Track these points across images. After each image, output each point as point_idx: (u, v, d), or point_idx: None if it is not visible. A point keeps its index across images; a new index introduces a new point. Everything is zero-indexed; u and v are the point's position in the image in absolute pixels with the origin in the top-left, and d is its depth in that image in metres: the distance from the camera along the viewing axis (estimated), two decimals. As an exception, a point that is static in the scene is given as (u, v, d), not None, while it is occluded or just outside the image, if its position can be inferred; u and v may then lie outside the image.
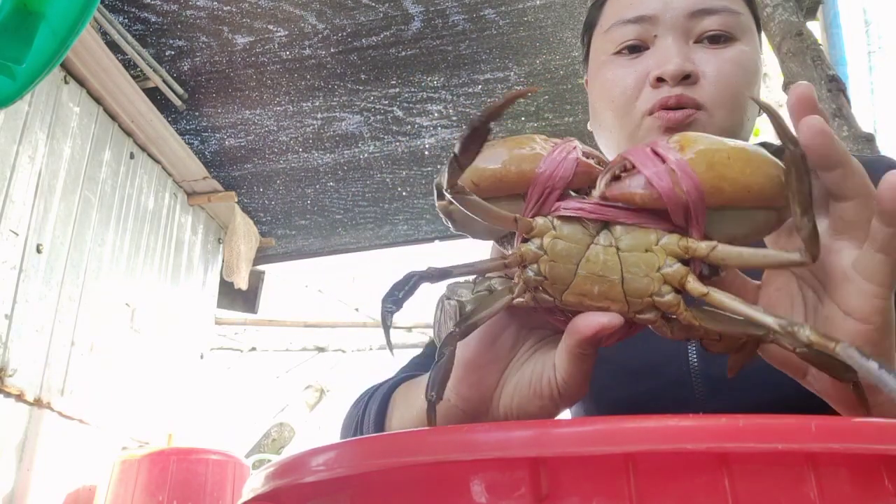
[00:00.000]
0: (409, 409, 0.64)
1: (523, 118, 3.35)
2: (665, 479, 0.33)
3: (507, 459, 0.33)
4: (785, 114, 0.46)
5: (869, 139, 1.87)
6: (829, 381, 0.45)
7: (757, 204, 0.41)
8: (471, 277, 0.50)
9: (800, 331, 0.40)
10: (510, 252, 0.46)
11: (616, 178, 0.43)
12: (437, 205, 0.48)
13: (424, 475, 0.36)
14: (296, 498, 0.41)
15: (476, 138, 0.43)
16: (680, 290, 0.43)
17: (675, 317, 0.44)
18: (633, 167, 0.42)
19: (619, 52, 0.75)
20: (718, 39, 0.72)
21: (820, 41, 2.21)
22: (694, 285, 0.43)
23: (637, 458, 0.32)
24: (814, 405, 0.52)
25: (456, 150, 0.43)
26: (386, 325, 0.46)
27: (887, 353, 0.44)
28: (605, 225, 0.44)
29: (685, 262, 0.43)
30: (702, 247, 0.42)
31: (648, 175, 0.41)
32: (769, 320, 0.41)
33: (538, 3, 2.76)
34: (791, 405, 0.54)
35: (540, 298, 0.46)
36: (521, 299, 0.47)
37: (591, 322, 0.43)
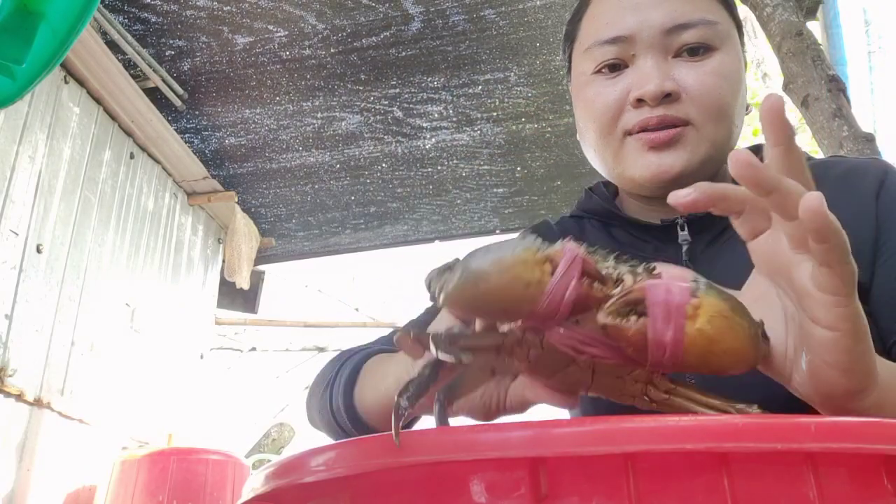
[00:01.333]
0: (382, 379, 0.67)
1: (523, 119, 3.35)
2: (664, 479, 0.33)
3: (506, 459, 0.33)
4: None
5: (869, 139, 1.87)
6: (813, 387, 0.47)
7: (730, 369, 0.45)
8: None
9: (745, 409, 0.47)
10: (506, 339, 0.50)
11: (626, 305, 0.44)
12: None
13: (424, 475, 0.36)
14: (296, 498, 0.41)
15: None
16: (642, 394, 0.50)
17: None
18: (643, 311, 0.43)
19: (598, 71, 0.75)
20: (697, 52, 0.72)
21: (820, 41, 2.21)
22: (655, 395, 0.49)
23: (636, 458, 0.32)
24: (804, 405, 0.52)
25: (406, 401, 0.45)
26: (398, 417, 0.46)
27: (862, 357, 0.45)
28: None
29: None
30: (662, 383, 0.49)
31: (650, 338, 0.43)
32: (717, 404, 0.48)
33: (538, 3, 2.76)
34: (782, 404, 0.54)
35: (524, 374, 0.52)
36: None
37: (551, 399, 0.51)
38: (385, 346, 0.79)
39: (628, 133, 0.73)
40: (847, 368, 0.44)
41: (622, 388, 0.50)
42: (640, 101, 0.71)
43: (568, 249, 0.44)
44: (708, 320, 0.43)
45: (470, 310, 0.46)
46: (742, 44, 0.79)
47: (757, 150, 0.82)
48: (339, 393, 0.71)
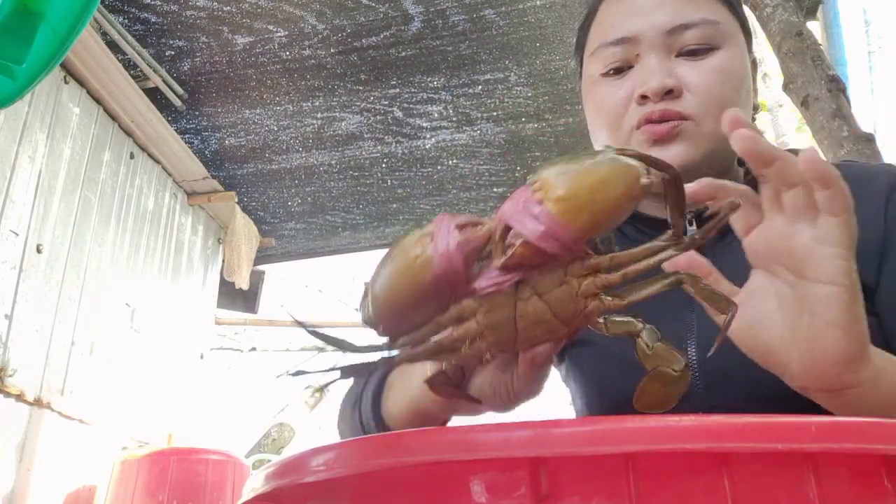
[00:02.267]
0: (396, 401, 0.70)
1: (523, 119, 3.35)
2: (665, 479, 0.33)
3: (507, 459, 0.33)
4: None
5: (869, 139, 1.87)
6: (812, 356, 0.49)
7: (619, 212, 0.46)
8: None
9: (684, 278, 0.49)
10: (448, 338, 0.52)
11: (502, 239, 0.47)
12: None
13: (424, 475, 0.36)
14: (296, 498, 0.41)
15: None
16: (597, 294, 0.50)
17: (607, 315, 0.51)
18: (511, 230, 0.47)
19: (606, 73, 0.78)
20: (699, 50, 0.74)
21: (820, 41, 2.21)
22: (609, 279, 0.50)
23: (637, 457, 0.32)
24: (808, 399, 0.53)
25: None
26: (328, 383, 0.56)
27: (859, 318, 0.48)
28: (517, 281, 0.49)
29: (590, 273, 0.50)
30: (603, 261, 0.49)
31: (532, 239, 0.46)
32: (664, 254, 0.49)
33: (538, 3, 2.76)
34: (787, 398, 0.55)
35: (496, 354, 0.53)
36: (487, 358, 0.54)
37: (531, 355, 0.52)
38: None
39: (634, 129, 0.75)
40: (846, 328, 0.47)
41: (575, 295, 0.49)
42: (643, 98, 0.74)
43: (436, 218, 0.49)
44: (555, 184, 0.45)
45: (396, 315, 0.50)
46: (749, 43, 0.81)
47: None
48: (367, 409, 0.74)
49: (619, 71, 0.77)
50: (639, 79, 0.74)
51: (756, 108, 0.82)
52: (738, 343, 0.55)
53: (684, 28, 0.74)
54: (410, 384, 0.67)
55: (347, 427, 0.81)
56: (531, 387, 0.56)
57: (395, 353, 0.54)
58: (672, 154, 0.73)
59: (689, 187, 0.49)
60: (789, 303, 0.50)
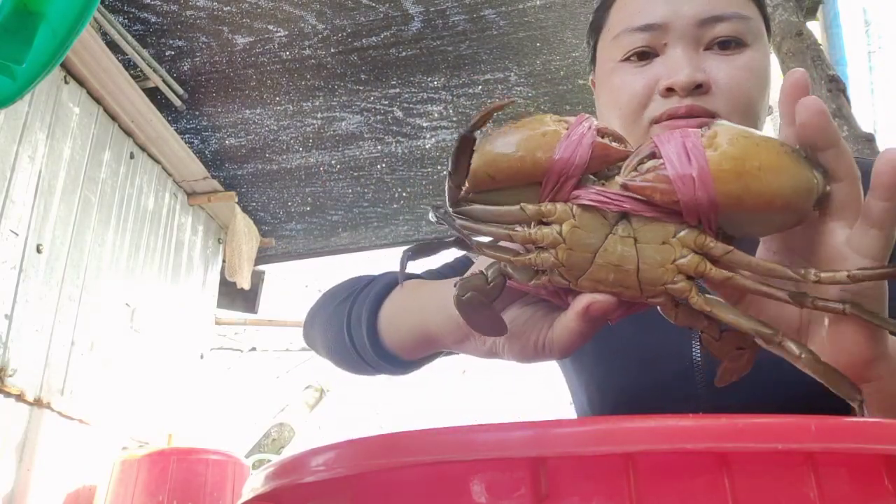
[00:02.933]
0: (402, 311, 0.67)
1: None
2: (665, 479, 0.33)
3: (506, 459, 0.33)
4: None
5: (869, 139, 1.87)
6: (834, 355, 0.46)
7: (779, 211, 0.42)
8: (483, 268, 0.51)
9: (816, 299, 0.42)
10: (522, 234, 0.47)
11: (641, 162, 0.43)
12: (435, 216, 0.50)
13: (424, 475, 0.36)
14: (296, 498, 0.41)
15: (464, 152, 0.44)
16: (692, 276, 0.45)
17: (685, 302, 0.46)
18: (659, 158, 0.42)
19: (627, 59, 0.73)
20: (729, 45, 0.71)
21: (820, 41, 2.21)
22: (713, 272, 0.44)
23: (637, 458, 0.32)
24: (813, 402, 0.52)
25: (449, 168, 0.44)
26: (403, 266, 0.49)
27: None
28: (624, 214, 0.44)
29: (698, 252, 0.44)
30: (718, 248, 0.43)
31: (672, 176, 0.41)
32: (777, 269, 0.43)
33: (538, 3, 2.76)
34: (791, 401, 0.54)
35: (554, 280, 0.47)
36: (537, 281, 0.48)
37: (588, 300, 0.47)
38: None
39: (655, 122, 0.71)
40: (872, 336, 0.44)
41: (671, 262, 0.44)
42: (669, 91, 0.70)
43: (581, 114, 0.44)
44: (728, 141, 0.41)
45: (494, 170, 0.45)
46: (769, 44, 0.78)
47: None
48: (362, 309, 0.70)
49: (643, 56, 0.73)
50: (665, 70, 0.71)
51: (770, 111, 0.81)
52: None
53: (717, 20, 0.71)
54: (423, 304, 0.64)
55: (329, 318, 0.77)
56: (566, 343, 0.51)
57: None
58: None
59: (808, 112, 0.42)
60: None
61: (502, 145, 0.45)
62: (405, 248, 0.49)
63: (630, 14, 0.74)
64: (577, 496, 0.33)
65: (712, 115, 0.70)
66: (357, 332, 0.71)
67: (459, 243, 0.50)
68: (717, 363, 0.69)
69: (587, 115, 0.45)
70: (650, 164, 0.43)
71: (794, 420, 0.31)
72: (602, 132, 0.45)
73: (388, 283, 0.72)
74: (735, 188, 0.40)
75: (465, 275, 0.52)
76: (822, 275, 0.42)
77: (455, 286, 0.50)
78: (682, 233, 0.44)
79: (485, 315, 0.51)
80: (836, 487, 0.33)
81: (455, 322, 0.57)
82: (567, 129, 0.44)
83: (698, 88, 0.69)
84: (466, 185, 0.46)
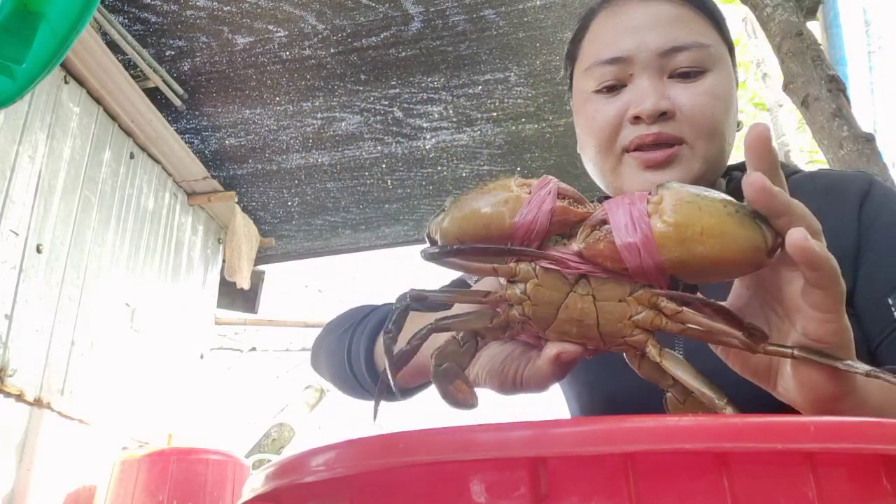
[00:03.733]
0: (408, 332, 0.70)
1: (523, 119, 3.35)
2: (664, 479, 0.33)
3: (506, 459, 0.33)
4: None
5: (869, 139, 1.87)
6: (799, 393, 0.48)
7: (728, 268, 0.44)
8: (456, 334, 0.54)
9: (765, 348, 0.46)
10: (491, 295, 0.51)
11: (595, 228, 0.46)
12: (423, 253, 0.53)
13: (424, 475, 0.36)
14: (296, 498, 0.41)
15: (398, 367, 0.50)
16: (650, 329, 0.48)
17: (644, 353, 0.49)
18: (608, 225, 0.46)
19: (598, 91, 0.78)
20: (691, 73, 0.76)
21: (820, 41, 2.21)
22: (669, 325, 0.47)
23: (636, 457, 0.32)
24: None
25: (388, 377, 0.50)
26: (390, 354, 0.52)
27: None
28: (583, 274, 0.48)
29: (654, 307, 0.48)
30: (668, 308, 0.47)
31: (619, 245, 0.44)
32: (738, 334, 0.46)
33: (538, 3, 2.76)
34: (774, 403, 0.55)
35: (526, 329, 0.52)
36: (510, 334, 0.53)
37: (556, 348, 0.51)
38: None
39: (626, 150, 0.76)
40: (833, 375, 0.47)
41: (628, 318, 0.48)
42: (636, 119, 0.75)
43: (544, 177, 0.48)
44: (672, 208, 0.43)
45: (461, 233, 0.48)
46: (734, 65, 0.83)
47: (737, 168, 0.84)
48: (360, 342, 0.75)
49: (612, 89, 0.78)
50: (632, 99, 0.76)
51: (739, 125, 0.84)
52: (726, 360, 0.54)
53: (677, 51, 0.75)
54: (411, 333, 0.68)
55: (332, 348, 0.83)
56: (540, 382, 0.55)
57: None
58: (668, 178, 0.74)
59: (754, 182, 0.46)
60: (777, 332, 0.49)
61: (469, 212, 0.48)
62: (401, 294, 0.53)
63: (598, 48, 0.79)
64: (577, 496, 0.33)
65: (680, 140, 0.74)
66: (356, 363, 0.77)
67: (415, 306, 0.53)
68: (700, 365, 0.71)
69: (549, 178, 0.48)
70: (602, 231, 0.46)
71: (794, 420, 0.31)
72: (563, 194, 0.48)
73: (383, 318, 0.77)
74: (679, 254, 0.43)
75: (440, 345, 0.55)
76: (769, 348, 0.46)
77: (431, 357, 0.54)
78: (638, 292, 0.47)
79: (458, 386, 0.54)
80: (835, 487, 0.33)
81: None
82: (529, 192, 0.47)
83: (663, 115, 0.74)
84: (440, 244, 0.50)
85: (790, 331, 0.48)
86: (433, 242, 0.51)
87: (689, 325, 0.47)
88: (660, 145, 0.74)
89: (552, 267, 0.48)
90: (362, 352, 0.76)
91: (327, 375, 0.87)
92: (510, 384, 0.57)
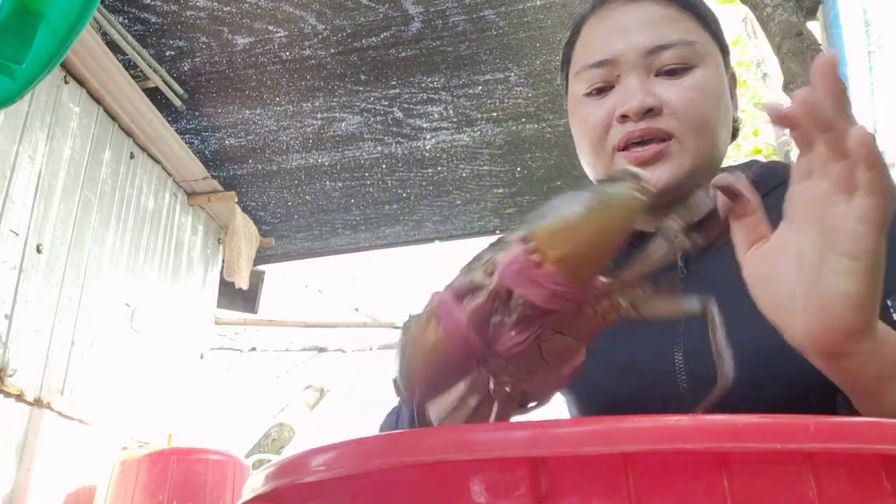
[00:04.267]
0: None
1: (523, 119, 3.35)
2: (664, 479, 0.33)
3: (506, 459, 0.33)
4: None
5: (869, 139, 1.87)
6: (819, 321, 0.50)
7: (623, 237, 0.47)
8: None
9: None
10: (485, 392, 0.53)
11: (507, 301, 0.48)
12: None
13: (424, 475, 0.36)
14: (296, 498, 0.41)
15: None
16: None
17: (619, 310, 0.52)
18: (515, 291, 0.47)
19: (589, 94, 0.80)
20: (677, 71, 0.77)
21: (820, 41, 2.21)
22: (619, 297, 0.51)
23: (636, 457, 0.33)
24: (798, 403, 0.53)
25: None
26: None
27: (876, 293, 0.49)
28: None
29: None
30: (614, 286, 0.50)
31: (536, 301, 0.46)
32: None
33: (538, 3, 2.76)
34: (776, 404, 0.55)
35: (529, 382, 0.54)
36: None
37: (572, 368, 0.53)
38: None
39: (616, 149, 0.77)
40: (858, 302, 0.48)
41: (593, 317, 0.51)
42: (624, 118, 0.76)
43: (437, 300, 0.49)
44: (551, 245, 0.45)
45: (431, 389, 0.52)
46: (727, 64, 0.83)
47: (749, 165, 0.84)
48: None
49: (602, 91, 0.79)
50: (620, 98, 0.77)
51: (737, 121, 0.84)
52: (750, 290, 0.55)
53: (662, 49, 0.76)
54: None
55: None
56: (563, 383, 0.57)
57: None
58: (657, 175, 0.75)
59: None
60: (810, 265, 0.50)
61: (418, 376, 0.50)
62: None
63: (587, 52, 0.81)
64: (577, 496, 0.33)
65: (668, 136, 0.75)
66: None
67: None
68: (698, 365, 0.72)
69: (442, 297, 0.49)
70: (516, 301, 0.47)
71: (794, 420, 0.31)
72: (460, 299, 0.49)
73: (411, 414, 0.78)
74: (587, 270, 0.46)
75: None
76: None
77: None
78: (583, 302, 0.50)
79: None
80: (835, 487, 0.33)
81: None
82: (439, 324, 0.48)
83: (650, 112, 0.75)
84: (416, 395, 0.52)
85: (824, 259, 0.49)
86: (414, 403, 0.55)
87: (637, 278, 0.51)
88: (649, 142, 0.75)
89: (514, 351, 0.49)
90: None
91: None
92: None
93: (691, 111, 0.75)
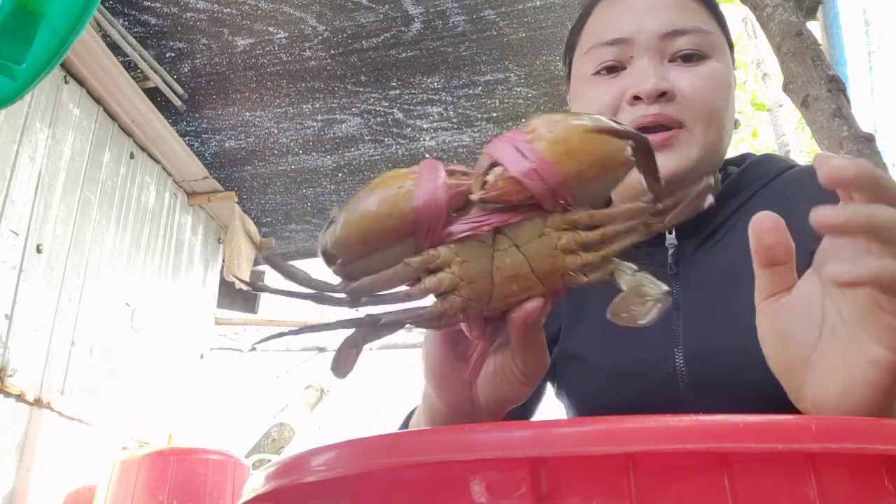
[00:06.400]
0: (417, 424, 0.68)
1: (523, 120, 3.35)
2: (665, 479, 0.33)
3: (507, 459, 0.33)
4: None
5: (869, 139, 1.87)
6: (811, 410, 0.47)
7: (606, 172, 0.47)
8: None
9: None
10: (418, 288, 0.49)
11: (486, 174, 0.47)
12: (330, 270, 0.51)
13: (424, 475, 0.36)
14: (296, 498, 0.41)
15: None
16: (575, 250, 0.49)
17: (584, 270, 0.50)
18: (499, 165, 0.46)
19: (598, 73, 0.78)
20: (691, 58, 0.75)
21: (820, 41, 2.21)
22: (589, 236, 0.49)
23: (637, 457, 0.32)
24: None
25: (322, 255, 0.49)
26: (351, 356, 0.52)
27: None
28: (496, 229, 0.47)
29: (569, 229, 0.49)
30: (582, 217, 0.48)
31: (517, 175, 0.45)
32: (632, 206, 0.49)
33: (538, 3, 2.76)
34: (775, 406, 0.54)
35: (470, 314, 0.50)
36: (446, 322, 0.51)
37: (520, 314, 0.49)
38: None
39: None
40: (883, 392, 0.43)
41: (554, 248, 0.48)
42: (636, 99, 0.74)
43: (425, 158, 0.48)
44: (548, 129, 0.46)
45: (362, 236, 0.47)
46: (732, 60, 0.82)
47: (742, 159, 0.84)
48: None
49: (611, 70, 0.77)
50: (632, 80, 0.75)
51: (736, 124, 0.84)
52: (762, 344, 0.49)
53: (678, 34, 0.75)
54: (425, 418, 0.63)
55: None
56: (534, 357, 0.52)
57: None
58: (664, 163, 0.72)
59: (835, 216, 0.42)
60: (835, 338, 0.45)
61: (365, 209, 0.46)
62: (345, 340, 0.51)
63: (599, 30, 0.79)
64: (578, 496, 0.33)
65: (679, 123, 0.73)
66: None
67: (364, 338, 0.51)
68: (700, 370, 0.70)
69: (432, 160, 0.48)
70: (495, 172, 0.46)
71: (794, 420, 0.31)
72: (451, 171, 0.48)
73: (404, 426, 0.73)
74: (573, 165, 0.45)
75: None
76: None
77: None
78: (550, 219, 0.48)
79: (349, 354, 0.53)
80: (836, 487, 0.33)
81: (445, 412, 0.58)
82: (417, 177, 0.47)
83: (663, 96, 0.73)
84: (339, 259, 0.48)
85: (854, 334, 0.43)
86: (330, 259, 0.49)
87: (608, 227, 0.49)
88: (658, 128, 0.73)
89: (467, 234, 0.47)
90: None
91: None
92: (519, 385, 0.54)
93: (703, 101, 0.74)
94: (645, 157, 0.48)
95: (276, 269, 0.52)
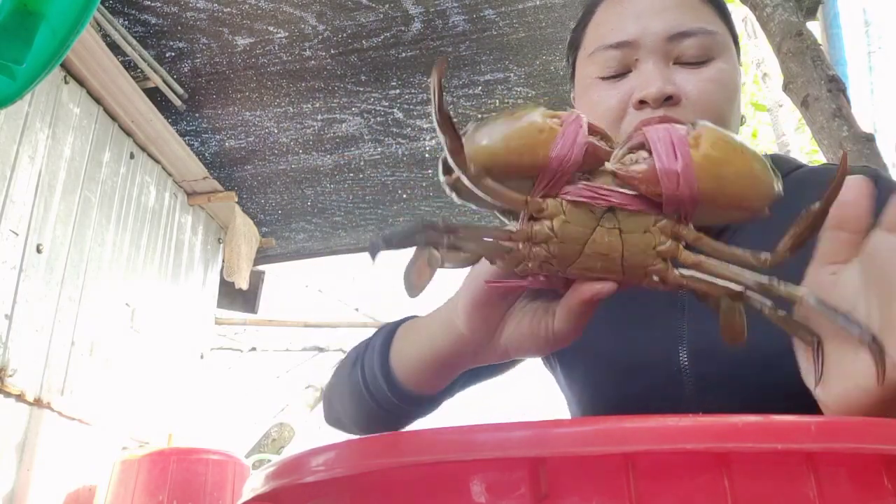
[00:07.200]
0: (410, 345, 0.69)
1: (523, 118, 3.35)
2: (664, 479, 0.33)
3: (506, 459, 0.33)
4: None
5: (869, 139, 1.87)
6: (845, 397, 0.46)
7: (741, 210, 0.47)
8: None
9: (773, 285, 0.46)
10: (516, 228, 0.49)
11: (631, 151, 0.46)
12: (441, 179, 0.50)
13: (424, 475, 0.36)
14: (296, 498, 0.41)
15: (448, 126, 0.45)
16: (667, 259, 0.49)
17: (663, 279, 0.50)
18: (647, 149, 0.46)
19: (602, 77, 0.77)
20: (696, 61, 0.74)
21: (820, 41, 2.20)
22: (686, 256, 0.48)
23: (636, 457, 0.32)
24: (801, 404, 0.52)
25: (445, 147, 0.46)
26: (374, 256, 0.49)
27: None
28: (610, 207, 0.47)
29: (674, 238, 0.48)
30: (690, 234, 0.48)
31: (658, 169, 0.45)
32: (746, 275, 0.47)
33: (538, 3, 2.76)
34: (779, 405, 0.54)
35: (545, 268, 0.50)
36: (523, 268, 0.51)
37: (591, 289, 0.50)
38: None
39: None
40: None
41: (650, 248, 0.47)
42: (642, 103, 0.73)
43: (572, 111, 0.48)
44: (711, 145, 0.45)
45: (491, 162, 0.46)
46: (738, 56, 0.81)
47: None
48: (373, 361, 0.72)
49: (617, 73, 0.76)
50: (637, 84, 0.74)
51: (742, 119, 0.83)
52: (831, 406, 0.47)
53: (683, 36, 0.74)
54: (427, 330, 0.66)
55: (344, 388, 0.78)
56: (573, 329, 0.54)
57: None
58: None
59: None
60: (877, 316, 0.44)
61: (500, 140, 0.46)
62: (372, 241, 0.49)
63: (603, 32, 0.78)
64: (577, 496, 0.33)
65: None
66: (375, 385, 0.72)
67: (430, 232, 0.49)
68: (704, 366, 0.70)
69: (577, 113, 0.47)
70: (639, 154, 0.46)
71: (794, 420, 0.31)
72: (592, 130, 0.47)
73: (389, 331, 0.73)
74: (713, 187, 0.45)
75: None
76: (783, 291, 0.46)
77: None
78: (661, 222, 0.48)
79: (422, 268, 0.50)
80: (835, 487, 0.33)
81: (463, 334, 0.60)
82: (560, 125, 0.46)
83: (669, 100, 0.72)
84: (470, 166, 0.47)
85: (890, 341, 0.43)
86: (449, 170, 0.48)
87: (708, 260, 0.48)
88: None
89: (582, 200, 0.47)
90: (378, 372, 0.70)
91: (347, 419, 0.81)
92: (543, 342, 0.56)
93: (709, 104, 0.73)
94: (808, 221, 0.45)
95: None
